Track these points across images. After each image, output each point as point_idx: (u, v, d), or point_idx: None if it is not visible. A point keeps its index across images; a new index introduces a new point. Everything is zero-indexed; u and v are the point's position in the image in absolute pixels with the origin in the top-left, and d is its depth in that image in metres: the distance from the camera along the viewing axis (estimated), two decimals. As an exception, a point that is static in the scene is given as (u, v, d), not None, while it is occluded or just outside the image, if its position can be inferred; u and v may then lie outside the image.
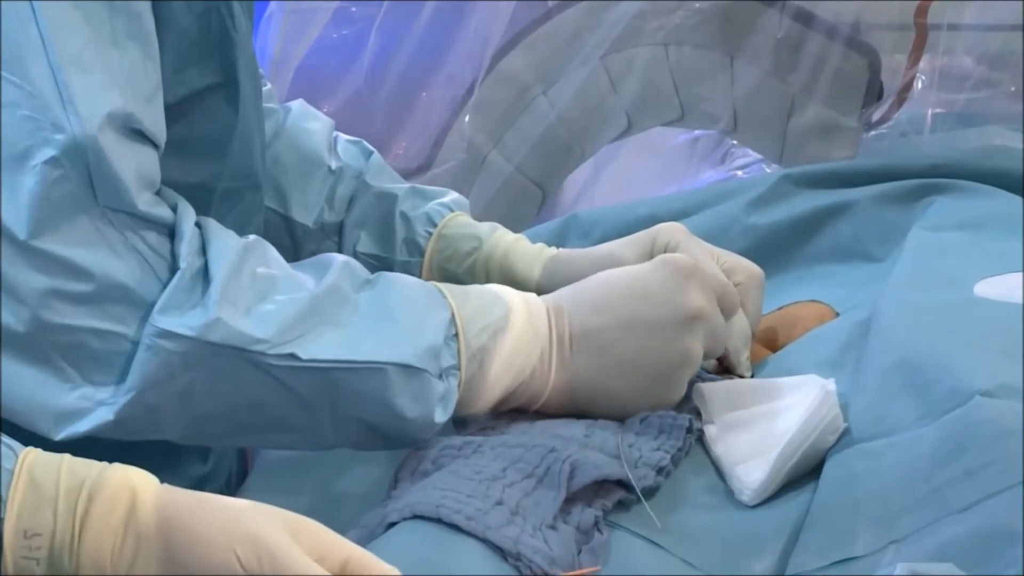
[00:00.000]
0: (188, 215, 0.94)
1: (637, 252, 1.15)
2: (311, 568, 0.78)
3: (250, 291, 0.92)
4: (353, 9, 1.75)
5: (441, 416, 0.97)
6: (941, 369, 0.96)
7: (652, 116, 1.74)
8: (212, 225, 0.95)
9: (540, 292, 1.08)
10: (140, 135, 0.91)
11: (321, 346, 0.92)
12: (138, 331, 0.89)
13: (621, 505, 0.94)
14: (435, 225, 1.22)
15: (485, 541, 0.86)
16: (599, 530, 0.91)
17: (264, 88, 1.27)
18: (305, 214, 1.23)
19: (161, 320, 0.89)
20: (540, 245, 1.21)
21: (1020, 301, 1.05)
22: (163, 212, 0.93)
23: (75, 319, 0.89)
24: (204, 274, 0.92)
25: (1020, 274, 1.11)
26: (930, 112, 1.60)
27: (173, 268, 0.91)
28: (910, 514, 0.87)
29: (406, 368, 0.95)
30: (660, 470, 0.97)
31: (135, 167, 0.90)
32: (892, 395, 0.98)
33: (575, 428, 1.00)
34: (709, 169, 1.80)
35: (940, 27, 1.60)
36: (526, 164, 1.75)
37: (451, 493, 0.89)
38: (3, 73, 0.87)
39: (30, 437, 0.84)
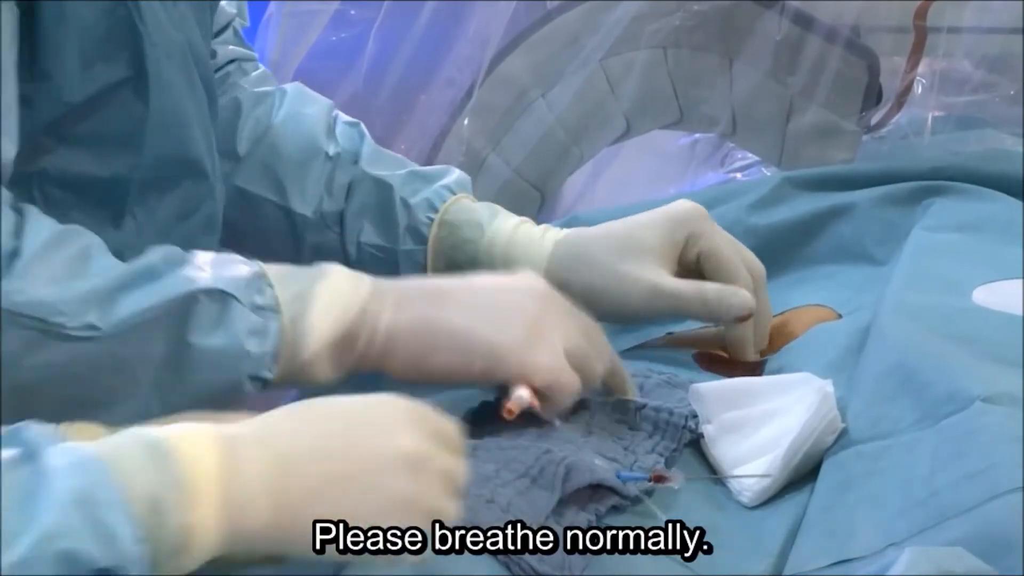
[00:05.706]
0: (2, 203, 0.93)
1: (659, 236, 1.13)
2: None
3: (57, 267, 0.91)
4: (352, 12, 1.75)
5: (256, 347, 0.95)
6: (938, 373, 0.96)
7: (651, 119, 1.74)
8: (32, 211, 0.94)
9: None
10: None
11: (121, 309, 0.91)
12: None
13: (615, 510, 0.94)
14: (436, 210, 1.20)
15: (478, 540, 0.85)
16: (593, 534, 0.91)
17: (256, 72, 1.27)
18: (303, 204, 1.22)
19: None
20: (544, 227, 1.19)
21: (1017, 310, 1.05)
22: None
23: None
24: (17, 254, 0.91)
25: (1017, 281, 1.11)
26: (930, 115, 1.60)
27: None
28: (908, 517, 0.87)
29: (208, 292, 0.93)
30: (654, 474, 0.97)
31: None
32: (888, 397, 0.97)
33: (573, 431, 0.99)
34: (708, 172, 1.80)
35: (939, 30, 1.60)
36: (525, 167, 1.74)
37: (442, 495, 0.89)
38: None
39: None
